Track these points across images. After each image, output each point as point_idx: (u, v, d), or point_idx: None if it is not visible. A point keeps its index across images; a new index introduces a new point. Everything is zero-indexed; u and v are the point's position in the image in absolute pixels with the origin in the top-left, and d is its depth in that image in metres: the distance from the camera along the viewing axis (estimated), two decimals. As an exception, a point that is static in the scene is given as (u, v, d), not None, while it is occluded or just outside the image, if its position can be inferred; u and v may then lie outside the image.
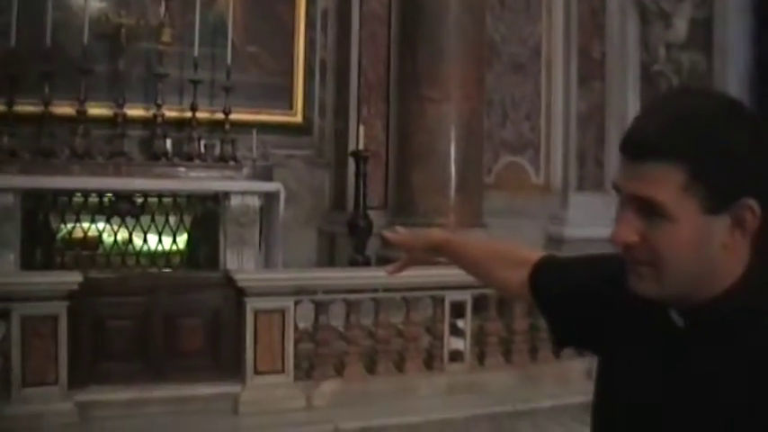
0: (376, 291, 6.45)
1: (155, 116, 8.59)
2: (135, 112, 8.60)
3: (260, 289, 6.11)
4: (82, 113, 8.22)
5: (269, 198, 8.49)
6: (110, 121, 8.41)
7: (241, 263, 8.07)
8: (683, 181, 1.32)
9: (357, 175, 8.73)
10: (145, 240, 8.43)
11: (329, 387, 6.24)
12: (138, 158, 8.53)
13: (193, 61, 8.58)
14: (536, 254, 1.95)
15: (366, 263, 8.42)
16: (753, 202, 1.32)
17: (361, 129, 8.85)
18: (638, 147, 1.37)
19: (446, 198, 8.35)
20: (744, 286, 1.37)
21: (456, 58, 8.42)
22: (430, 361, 6.63)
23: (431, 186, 8.34)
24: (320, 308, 6.28)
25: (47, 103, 8.04)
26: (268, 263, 8.45)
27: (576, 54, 9.97)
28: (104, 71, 8.54)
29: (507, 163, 9.97)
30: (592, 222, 8.65)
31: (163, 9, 8.66)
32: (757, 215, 1.33)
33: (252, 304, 6.01)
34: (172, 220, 8.50)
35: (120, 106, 8.41)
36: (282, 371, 6.08)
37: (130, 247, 8.37)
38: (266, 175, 8.86)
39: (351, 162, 8.92)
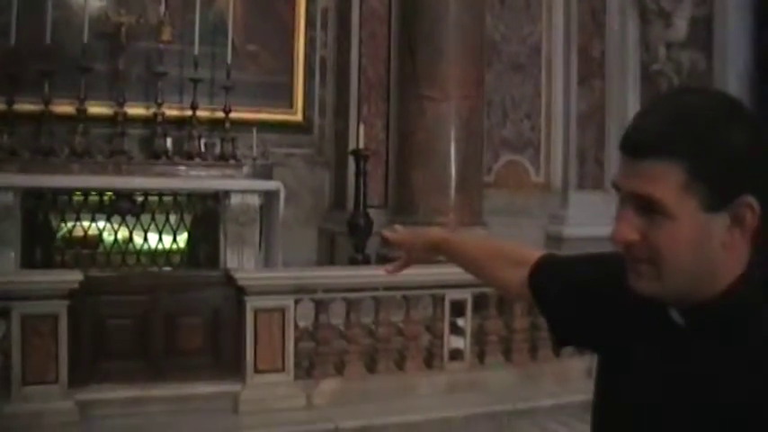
0: (376, 289, 6.45)
1: (155, 115, 8.59)
2: (135, 110, 8.60)
3: (260, 288, 6.11)
4: (82, 112, 8.21)
5: (269, 197, 8.49)
6: (110, 120, 8.41)
7: (241, 262, 8.08)
8: (683, 179, 1.32)
9: (357, 174, 8.73)
10: (145, 239, 8.43)
11: (329, 386, 6.24)
12: (139, 157, 8.52)
13: (193, 60, 8.58)
14: (536, 253, 1.95)
15: (366, 262, 8.43)
16: (752, 200, 1.32)
17: (361, 128, 8.85)
18: (637, 145, 1.37)
19: (446, 197, 8.36)
20: (744, 285, 1.37)
21: (456, 57, 8.42)
22: (430, 359, 6.64)
23: (431, 185, 8.34)
24: (320, 306, 6.29)
25: (47, 102, 8.03)
26: (268, 262, 8.45)
27: (576, 53, 9.97)
28: (104, 70, 8.54)
29: (507, 162, 9.97)
30: (592, 221, 8.65)
31: (163, 8, 8.65)
32: (757, 213, 1.33)
33: (252, 303, 6.02)
34: (172, 218, 8.50)
35: (120, 105, 8.41)
36: (282, 369, 6.09)
37: (131, 245, 8.37)
38: (266, 173, 8.85)
39: (351, 161, 8.92)
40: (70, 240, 8.17)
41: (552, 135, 10.12)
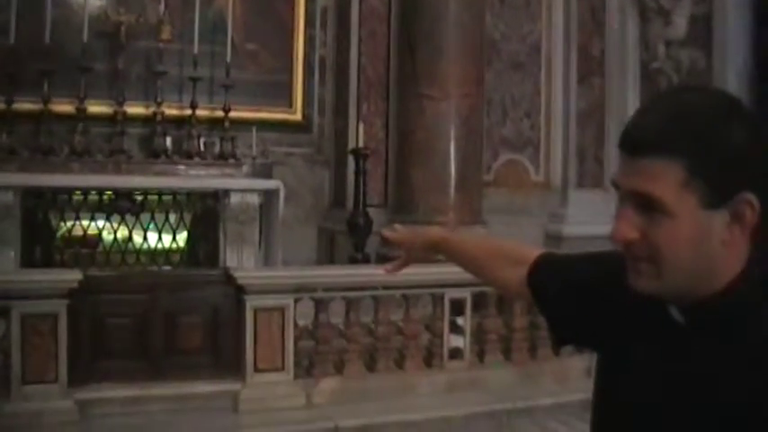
0: (376, 288, 6.45)
1: (154, 114, 8.59)
2: (134, 109, 8.60)
3: (260, 287, 6.11)
4: (81, 111, 8.21)
5: (269, 196, 8.49)
6: (109, 119, 8.41)
7: (241, 260, 8.08)
8: (682, 177, 1.32)
9: (357, 172, 8.73)
10: (145, 238, 8.44)
11: (329, 385, 6.24)
12: (138, 156, 8.52)
13: (193, 59, 8.58)
14: (535, 252, 1.95)
15: (366, 261, 8.43)
16: (752, 197, 1.32)
17: (361, 127, 8.85)
18: (637, 143, 1.37)
19: (446, 196, 8.36)
20: (743, 282, 1.37)
21: (455, 55, 8.42)
22: (429, 358, 6.64)
23: (430, 184, 8.34)
24: (320, 305, 6.29)
25: (46, 101, 8.03)
26: (268, 261, 8.45)
27: (576, 52, 9.97)
28: (104, 69, 8.54)
29: (507, 161, 9.96)
30: (591, 220, 8.66)
31: (162, 7, 8.65)
32: (756, 210, 1.33)
33: (252, 302, 6.01)
34: (172, 217, 8.50)
35: (120, 104, 8.41)
36: (282, 368, 6.08)
37: (130, 244, 8.37)
38: (266, 172, 8.85)
39: (350, 160, 8.91)
40: (70, 239, 8.17)
41: (552, 134, 10.12)
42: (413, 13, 8.59)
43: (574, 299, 1.73)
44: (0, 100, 7.89)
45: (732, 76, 8.87)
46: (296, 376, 6.16)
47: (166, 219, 8.47)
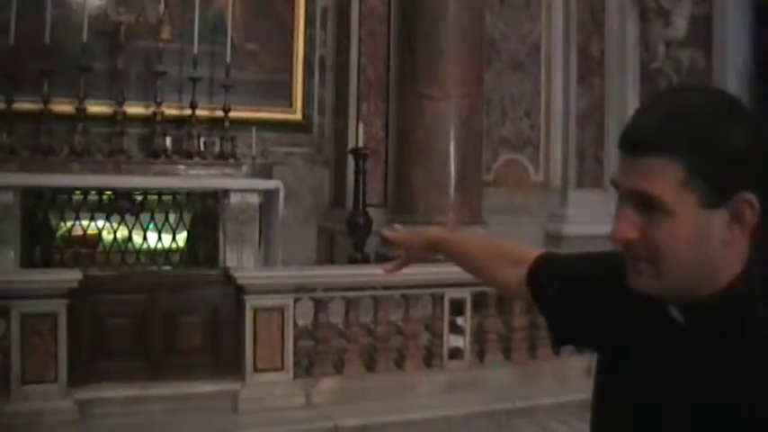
0: (375, 288, 6.45)
1: (154, 114, 8.59)
2: (134, 109, 8.60)
3: (259, 287, 6.11)
4: (81, 111, 8.21)
5: (268, 196, 8.49)
6: (109, 119, 8.41)
7: (240, 260, 8.08)
8: (682, 176, 1.32)
9: (356, 172, 8.73)
10: (144, 238, 8.43)
11: (329, 384, 6.24)
12: (138, 156, 8.52)
13: (193, 59, 8.58)
14: (535, 252, 1.95)
15: (365, 260, 8.43)
16: (751, 197, 1.32)
17: (361, 126, 8.85)
18: (636, 142, 1.37)
19: (445, 196, 8.36)
20: (743, 282, 1.37)
21: (455, 55, 8.42)
22: (429, 358, 6.64)
23: (430, 184, 8.34)
24: (320, 305, 6.28)
25: (46, 101, 8.03)
26: (267, 260, 8.45)
27: (576, 52, 9.97)
28: (103, 69, 8.54)
29: (506, 161, 9.96)
30: (591, 219, 8.66)
31: (162, 6, 8.65)
32: (756, 210, 1.33)
33: (251, 302, 6.01)
34: (171, 217, 8.50)
35: (120, 104, 8.41)
36: (282, 368, 6.08)
37: (130, 244, 8.37)
38: (266, 172, 8.85)
39: (350, 160, 8.91)
40: (69, 239, 8.17)
41: (551, 134, 10.12)
42: (413, 13, 8.59)
43: (573, 299, 1.73)
44: (0, 100, 7.89)
45: (732, 77, 8.87)
46: (295, 376, 6.16)
47: (166, 219, 8.47)
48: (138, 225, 8.32)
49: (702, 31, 9.32)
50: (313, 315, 6.29)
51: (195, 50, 8.56)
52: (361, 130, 8.80)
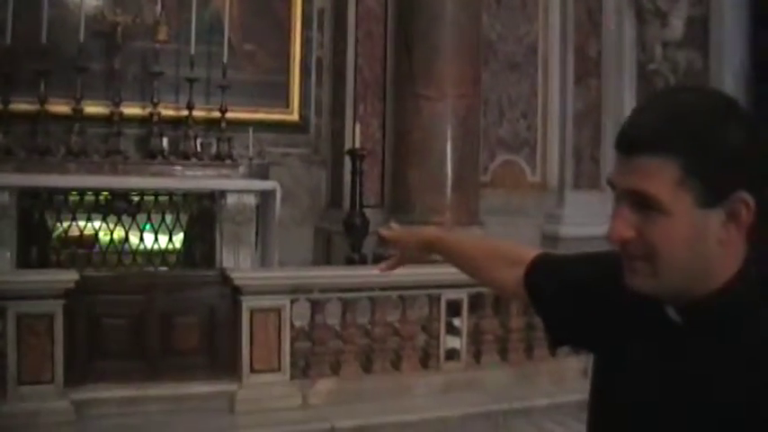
0: (372, 289, 6.44)
1: (151, 114, 8.58)
2: (131, 110, 8.60)
3: (256, 287, 6.10)
4: (78, 111, 8.21)
5: (265, 196, 8.49)
6: (106, 120, 8.40)
7: (237, 261, 8.08)
8: (678, 175, 1.32)
9: (353, 173, 8.71)
10: (141, 239, 8.43)
11: (325, 385, 6.24)
12: (135, 157, 8.52)
13: (190, 59, 8.58)
14: (531, 252, 1.95)
15: (362, 261, 8.41)
16: (747, 196, 1.33)
17: (358, 127, 8.84)
18: (633, 141, 1.37)
19: (442, 196, 8.36)
20: (740, 282, 1.37)
21: (452, 56, 8.42)
22: (426, 359, 6.63)
23: (427, 184, 8.34)
24: (316, 306, 6.28)
25: (42, 101, 8.02)
26: (264, 261, 8.45)
27: (573, 52, 9.97)
28: (100, 69, 8.53)
29: (503, 161, 9.96)
30: (588, 220, 8.66)
31: (159, 7, 8.64)
32: (751, 209, 1.33)
33: (248, 303, 6.01)
34: (168, 218, 8.50)
35: (117, 104, 8.41)
36: (278, 369, 6.08)
37: (126, 245, 8.38)
38: (262, 173, 8.85)
39: (347, 160, 8.90)
40: (66, 240, 8.16)
41: (548, 134, 10.12)
42: (409, 13, 8.59)
43: (570, 299, 1.73)
44: (-3, 100, 7.89)
45: (729, 78, 8.88)
46: (292, 377, 6.15)
47: (163, 219, 8.47)
48: (134, 226, 8.33)
49: (699, 32, 9.32)
50: (310, 316, 6.29)
51: (192, 51, 8.56)
52: (357, 130, 8.79)
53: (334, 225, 9.10)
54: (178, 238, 8.62)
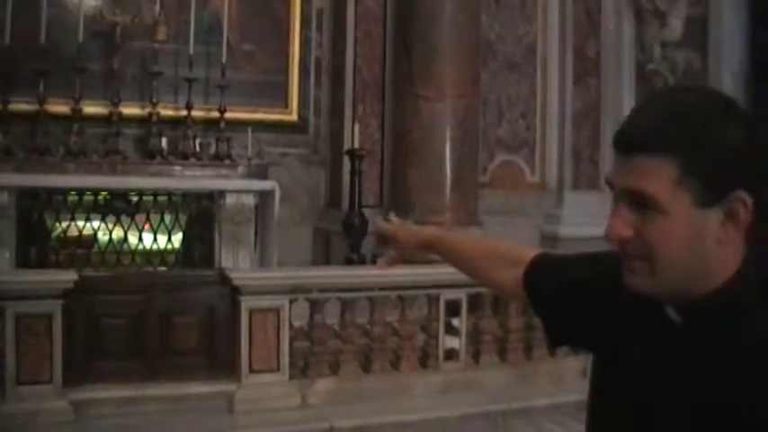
0: (371, 289, 6.44)
1: (150, 114, 8.57)
2: (130, 110, 8.59)
3: (255, 287, 6.10)
4: (77, 111, 8.20)
5: (264, 196, 8.49)
6: (105, 120, 8.39)
7: (236, 261, 8.07)
8: (676, 175, 1.33)
9: (352, 173, 8.70)
10: (140, 239, 8.43)
11: (324, 385, 6.24)
12: (133, 157, 8.51)
13: (188, 59, 8.57)
14: (531, 252, 1.95)
15: (361, 261, 8.41)
16: (745, 196, 1.33)
17: (357, 127, 8.84)
18: (631, 141, 1.38)
19: (441, 196, 8.35)
20: (739, 282, 1.37)
21: (451, 56, 8.42)
22: (425, 359, 6.64)
23: (426, 185, 8.34)
24: (315, 306, 6.28)
25: (41, 101, 8.01)
26: (263, 261, 8.44)
27: (572, 53, 9.97)
28: (99, 69, 8.52)
29: (502, 161, 9.96)
30: (587, 221, 8.65)
31: (158, 7, 8.63)
32: (749, 208, 1.33)
33: (247, 303, 6.01)
34: (167, 218, 8.50)
35: (115, 104, 8.40)
36: (277, 369, 6.08)
37: (125, 245, 8.36)
38: (261, 173, 8.84)
39: (346, 160, 8.90)
40: (65, 240, 8.15)
41: (547, 135, 10.12)
42: (408, 13, 8.59)
43: (569, 299, 1.73)
44: (-4, 100, 7.89)
45: (728, 78, 8.88)
46: (291, 377, 6.16)
47: (162, 219, 8.46)
48: (133, 226, 8.32)
49: (698, 32, 9.33)
50: (309, 316, 6.29)
51: (191, 51, 8.55)
52: (356, 130, 8.78)
53: (333, 225, 9.09)
54: (177, 239, 8.61)
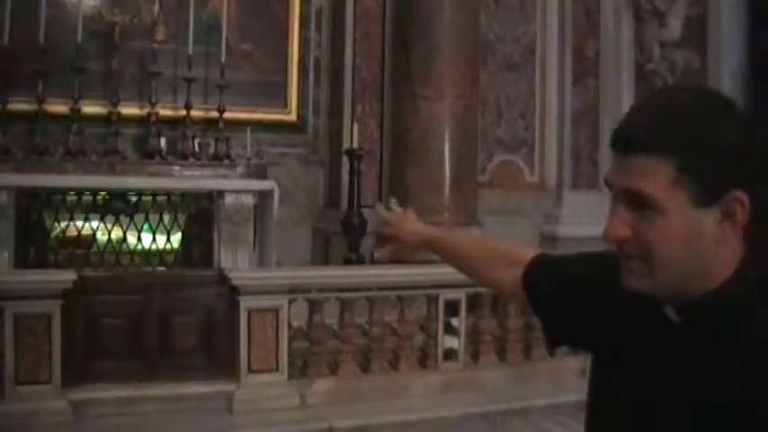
0: (370, 289, 6.45)
1: (149, 114, 8.56)
2: (129, 110, 8.57)
3: (254, 287, 6.10)
4: (76, 111, 8.19)
5: (263, 196, 8.48)
6: (104, 120, 8.38)
7: (235, 261, 8.06)
8: (673, 174, 1.33)
9: (351, 173, 8.69)
10: (139, 239, 8.41)
11: (323, 385, 6.24)
12: (132, 157, 8.49)
13: (187, 59, 8.55)
14: (530, 252, 1.95)
15: (360, 261, 8.41)
16: (742, 195, 1.33)
17: (355, 127, 8.83)
18: (628, 141, 1.38)
19: (440, 196, 8.35)
20: (738, 282, 1.37)
21: (450, 56, 8.42)
22: (424, 359, 6.63)
23: (425, 184, 8.34)
24: (314, 306, 6.28)
25: (40, 101, 8.00)
26: (262, 261, 8.44)
27: (571, 53, 9.97)
28: (98, 69, 8.51)
29: (501, 161, 9.96)
30: (586, 221, 8.64)
31: (157, 7, 8.62)
32: (747, 208, 1.33)
33: (246, 303, 6.01)
34: (166, 218, 8.48)
35: (114, 104, 8.38)
36: (276, 369, 6.08)
37: (124, 245, 8.35)
38: (260, 173, 8.83)
39: (345, 160, 8.89)
40: (64, 240, 8.14)
41: (546, 135, 10.12)
42: (407, 13, 8.59)
43: (568, 299, 1.73)
44: (-6, 100, 7.88)
45: (727, 78, 8.89)
46: (290, 377, 6.16)
47: (161, 219, 8.45)
48: (132, 226, 8.30)
49: (697, 32, 9.34)
50: (307, 316, 6.29)
51: (190, 51, 8.54)
52: (355, 130, 8.77)
53: (332, 225, 9.09)
54: (176, 238, 8.60)
